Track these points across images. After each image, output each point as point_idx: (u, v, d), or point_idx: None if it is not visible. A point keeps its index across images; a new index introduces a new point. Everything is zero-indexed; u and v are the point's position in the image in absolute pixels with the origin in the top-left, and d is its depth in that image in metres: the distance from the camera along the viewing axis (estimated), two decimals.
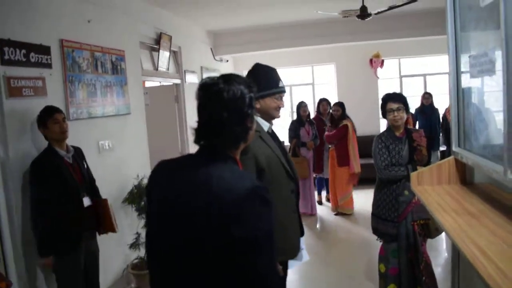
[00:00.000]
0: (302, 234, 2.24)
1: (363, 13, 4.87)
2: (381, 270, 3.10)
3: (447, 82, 2.13)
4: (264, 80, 2.09)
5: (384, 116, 3.04)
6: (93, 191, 3.02)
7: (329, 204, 6.30)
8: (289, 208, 2.13)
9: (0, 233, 2.70)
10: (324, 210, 6.22)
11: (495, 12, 1.36)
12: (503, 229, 1.33)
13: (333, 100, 6.67)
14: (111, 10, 4.14)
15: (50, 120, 2.74)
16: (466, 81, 1.87)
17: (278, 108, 2.15)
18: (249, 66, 2.23)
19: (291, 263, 2.20)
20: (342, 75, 8.30)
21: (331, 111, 6.02)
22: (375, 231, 3.08)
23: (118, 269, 3.90)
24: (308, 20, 6.80)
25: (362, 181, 5.90)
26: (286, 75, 8.31)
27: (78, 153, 2.98)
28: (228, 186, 1.15)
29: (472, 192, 1.81)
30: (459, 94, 1.94)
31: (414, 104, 7.00)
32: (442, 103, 7.29)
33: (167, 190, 1.26)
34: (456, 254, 2.25)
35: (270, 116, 2.16)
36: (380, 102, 3.11)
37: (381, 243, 3.13)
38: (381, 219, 2.98)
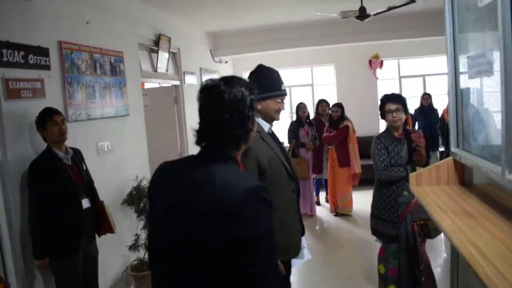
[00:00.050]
0: (303, 233, 2.25)
1: (362, 14, 4.88)
2: (380, 271, 3.09)
3: (446, 83, 2.13)
4: (267, 82, 2.10)
5: (383, 117, 3.03)
6: (92, 193, 3.02)
7: (328, 205, 6.30)
8: (291, 208, 2.14)
9: None
10: (323, 211, 6.22)
11: (493, 12, 1.36)
12: (501, 229, 1.33)
13: (332, 101, 6.67)
14: (109, 11, 4.15)
15: (49, 122, 2.74)
16: (464, 82, 1.87)
17: (278, 111, 2.16)
18: (248, 67, 2.23)
19: (294, 261, 2.21)
20: (342, 76, 8.31)
21: (330, 112, 6.02)
22: (374, 232, 3.08)
23: (118, 271, 3.90)
24: (307, 21, 6.80)
25: (361, 182, 5.90)
26: (285, 76, 8.28)
27: (77, 155, 2.97)
28: (228, 186, 1.15)
29: (471, 192, 1.81)
30: (458, 95, 1.94)
31: (413, 104, 7.01)
32: (441, 103, 7.29)
33: (168, 191, 1.27)
34: (455, 254, 2.25)
35: (270, 118, 2.17)
36: (379, 103, 3.11)
37: (380, 244, 3.13)
38: (380, 220, 2.98)
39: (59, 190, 2.68)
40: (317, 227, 5.62)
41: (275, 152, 2.08)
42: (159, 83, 5.79)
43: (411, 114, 6.57)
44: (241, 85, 1.26)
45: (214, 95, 1.23)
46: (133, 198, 3.82)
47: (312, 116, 6.53)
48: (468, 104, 1.86)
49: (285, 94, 2.19)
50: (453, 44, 1.92)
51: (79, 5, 3.64)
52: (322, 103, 6.45)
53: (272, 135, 2.21)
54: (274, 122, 2.23)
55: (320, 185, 6.58)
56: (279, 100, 2.14)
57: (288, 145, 5.79)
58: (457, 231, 1.35)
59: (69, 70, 3.40)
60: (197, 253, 1.16)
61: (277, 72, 2.18)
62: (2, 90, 2.73)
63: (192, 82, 6.32)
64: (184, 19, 6.09)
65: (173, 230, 1.22)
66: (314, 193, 6.30)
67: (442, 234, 2.99)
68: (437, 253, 4.20)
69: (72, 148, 2.91)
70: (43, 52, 3.11)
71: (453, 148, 1.99)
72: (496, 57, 1.39)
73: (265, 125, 2.14)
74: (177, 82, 5.96)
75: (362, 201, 5.80)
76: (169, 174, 1.31)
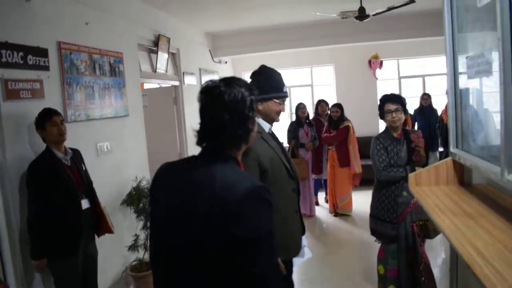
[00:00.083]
0: (303, 232, 2.27)
1: (361, 14, 4.88)
2: (380, 272, 3.09)
3: (445, 83, 2.13)
4: (269, 83, 2.13)
5: (382, 117, 3.03)
6: (92, 194, 3.01)
7: (327, 205, 6.30)
8: (291, 208, 2.15)
9: None
10: (322, 212, 6.21)
11: (491, 13, 1.36)
12: (500, 230, 1.32)
13: (332, 101, 6.67)
14: (109, 12, 4.14)
15: (49, 122, 2.73)
16: (463, 82, 1.87)
17: (279, 112, 2.18)
18: (248, 68, 2.25)
19: (294, 260, 2.23)
20: (341, 76, 8.31)
21: (329, 112, 6.02)
22: (373, 232, 3.07)
23: (117, 271, 3.89)
24: (307, 22, 6.81)
25: (361, 182, 5.89)
26: (285, 76, 8.25)
27: (77, 155, 2.97)
28: (229, 186, 1.16)
29: (470, 193, 1.81)
30: (457, 95, 1.94)
31: (413, 105, 7.01)
32: (440, 104, 7.28)
33: (169, 192, 1.28)
34: (454, 254, 2.25)
35: (270, 118, 2.19)
36: (378, 103, 3.10)
37: (379, 244, 3.13)
38: (380, 220, 2.98)
39: (58, 191, 2.68)
40: (316, 228, 5.61)
41: (275, 152, 2.10)
42: (159, 84, 5.79)
43: (410, 115, 6.57)
44: (241, 86, 1.26)
45: (214, 96, 1.24)
46: (133, 199, 3.81)
47: (311, 117, 6.53)
48: (467, 105, 1.86)
49: (287, 96, 2.22)
50: (452, 44, 1.92)
51: (78, 6, 3.64)
52: (321, 103, 6.44)
53: (272, 135, 2.23)
54: (274, 123, 2.24)
55: (320, 185, 6.58)
56: (280, 102, 2.16)
57: (288, 145, 5.79)
58: (456, 232, 1.35)
59: (68, 70, 3.40)
60: (198, 253, 1.16)
61: (279, 74, 2.20)
62: (1, 90, 2.73)
63: (192, 83, 6.31)
64: (183, 19, 6.08)
65: (173, 231, 1.22)
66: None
67: (441, 234, 2.98)
68: (436, 253, 4.20)
69: (71, 149, 2.91)
70: (42, 52, 3.10)
71: (452, 149, 1.99)
72: (495, 57, 1.39)
73: (265, 126, 2.16)
74: (176, 83, 5.95)
75: (361, 201, 5.80)
76: (170, 175, 1.31)
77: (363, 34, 6.87)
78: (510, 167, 1.31)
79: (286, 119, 7.92)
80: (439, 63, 7.89)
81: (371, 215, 3.07)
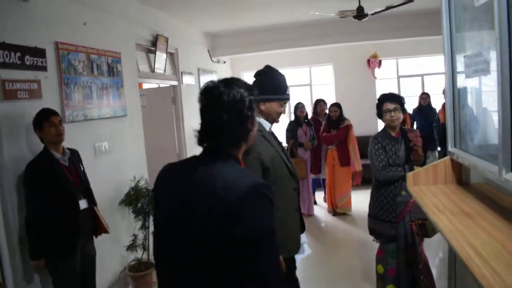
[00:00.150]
0: (303, 230, 2.29)
1: (360, 13, 4.88)
2: (379, 271, 3.09)
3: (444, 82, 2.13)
4: (273, 84, 2.16)
5: (380, 116, 3.03)
6: (89, 194, 3.01)
7: (325, 205, 6.30)
8: (292, 206, 2.17)
9: None
10: (320, 211, 6.22)
11: (489, 12, 1.36)
12: (498, 229, 1.32)
13: (330, 100, 6.66)
14: (107, 12, 4.13)
15: (46, 122, 2.73)
16: (461, 81, 1.87)
17: (280, 114, 2.21)
18: (246, 68, 2.26)
19: (295, 257, 2.25)
20: (340, 76, 8.30)
21: (328, 111, 6.02)
22: (372, 232, 3.07)
23: (116, 271, 3.89)
24: (305, 21, 6.80)
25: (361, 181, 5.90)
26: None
27: (75, 156, 2.97)
28: (229, 184, 1.16)
29: (468, 192, 1.81)
30: (455, 94, 1.94)
31: (411, 104, 7.01)
32: (439, 103, 7.28)
33: (170, 193, 1.28)
34: (453, 253, 2.25)
35: (271, 119, 2.22)
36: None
37: (378, 244, 3.13)
38: (378, 220, 2.97)
39: (56, 191, 2.68)
40: (315, 227, 5.61)
41: (276, 150, 2.12)
42: (157, 84, 5.78)
43: (409, 114, 6.58)
44: (240, 86, 1.27)
45: (213, 96, 1.25)
46: (131, 199, 3.80)
47: (310, 116, 6.53)
48: (465, 104, 1.86)
49: (289, 99, 2.26)
50: (450, 43, 1.93)
51: (76, 6, 3.63)
52: (320, 102, 6.45)
53: (272, 134, 2.25)
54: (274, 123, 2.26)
55: (318, 184, 6.57)
56: (282, 104, 2.19)
57: (286, 144, 5.78)
58: (454, 231, 1.35)
59: (66, 71, 3.39)
60: (198, 254, 1.16)
61: (283, 76, 2.23)
62: None
63: (190, 83, 6.31)
64: (181, 19, 6.07)
65: (174, 232, 1.23)
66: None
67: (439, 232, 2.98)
68: (435, 252, 4.20)
69: (69, 149, 2.91)
70: (40, 53, 3.10)
71: (450, 148, 1.99)
72: (493, 56, 1.39)
73: (266, 125, 2.19)
74: (175, 83, 5.94)
75: (360, 200, 5.80)
76: (171, 176, 1.32)
77: (361, 34, 6.86)
78: (508, 166, 1.30)
79: (284, 118, 7.91)
80: (437, 62, 7.89)
81: (369, 214, 3.07)
